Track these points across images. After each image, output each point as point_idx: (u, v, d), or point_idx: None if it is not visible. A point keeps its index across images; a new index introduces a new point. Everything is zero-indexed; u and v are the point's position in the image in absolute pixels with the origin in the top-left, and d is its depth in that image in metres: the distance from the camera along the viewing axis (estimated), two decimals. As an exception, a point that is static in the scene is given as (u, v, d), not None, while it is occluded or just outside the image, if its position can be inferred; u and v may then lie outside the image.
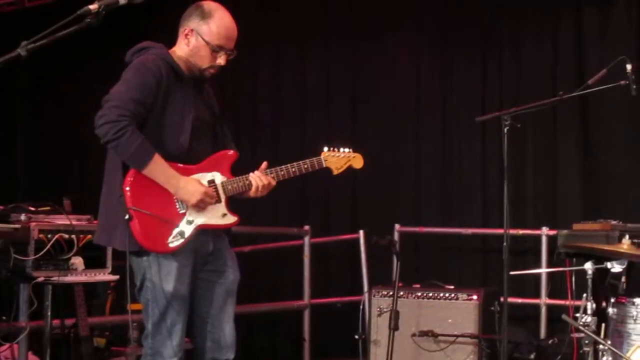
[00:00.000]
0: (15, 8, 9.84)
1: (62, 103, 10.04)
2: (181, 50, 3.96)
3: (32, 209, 5.09)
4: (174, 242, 3.81)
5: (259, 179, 3.97)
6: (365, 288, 7.34)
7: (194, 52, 3.94)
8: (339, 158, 4.17)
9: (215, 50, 3.93)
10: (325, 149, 4.16)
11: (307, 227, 7.87)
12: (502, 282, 5.22)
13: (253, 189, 3.97)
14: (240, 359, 4.24)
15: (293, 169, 4.05)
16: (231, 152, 4.06)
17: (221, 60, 3.96)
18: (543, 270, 6.66)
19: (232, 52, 3.99)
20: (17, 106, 10.61)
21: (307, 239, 7.82)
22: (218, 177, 3.96)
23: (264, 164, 4.05)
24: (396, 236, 7.79)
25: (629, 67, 4.92)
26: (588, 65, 7.32)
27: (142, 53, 3.89)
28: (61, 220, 5.10)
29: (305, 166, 4.07)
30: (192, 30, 3.94)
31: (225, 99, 9.15)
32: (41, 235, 4.89)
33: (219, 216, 3.95)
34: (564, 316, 4.93)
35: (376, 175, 8.37)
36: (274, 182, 4.02)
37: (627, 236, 5.06)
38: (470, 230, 7.72)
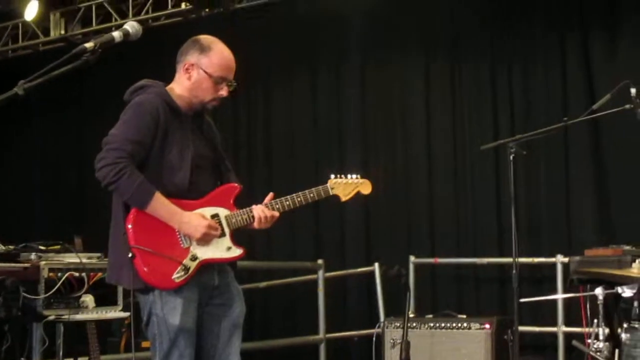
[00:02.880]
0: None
1: (78, 140, 10.18)
2: (181, 85, 3.99)
3: (43, 248, 5.12)
4: (179, 277, 3.81)
5: (261, 212, 3.97)
6: (381, 320, 7.31)
7: (195, 85, 3.96)
8: (346, 184, 4.12)
9: (217, 82, 3.96)
10: (332, 176, 4.12)
11: (320, 261, 7.87)
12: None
13: (256, 221, 3.97)
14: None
15: (299, 199, 4.03)
16: (234, 185, 4.06)
17: (223, 91, 3.99)
18: (554, 297, 6.61)
19: (232, 83, 4.02)
20: (31, 143, 10.78)
21: (321, 273, 7.82)
22: (222, 211, 3.96)
23: (270, 195, 4.04)
24: (411, 268, 7.79)
25: (633, 91, 4.91)
26: (597, 92, 7.31)
27: (140, 92, 3.92)
28: (71, 258, 5.12)
29: (312, 195, 4.04)
30: (192, 64, 3.96)
31: (239, 131, 9.30)
32: (51, 274, 4.92)
33: (223, 250, 3.95)
34: (574, 342, 4.89)
35: (390, 206, 8.41)
36: (277, 214, 4.01)
37: (638, 260, 5.02)
38: (485, 260, 7.69)
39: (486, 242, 8.01)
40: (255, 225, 3.98)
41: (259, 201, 3.99)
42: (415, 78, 8.55)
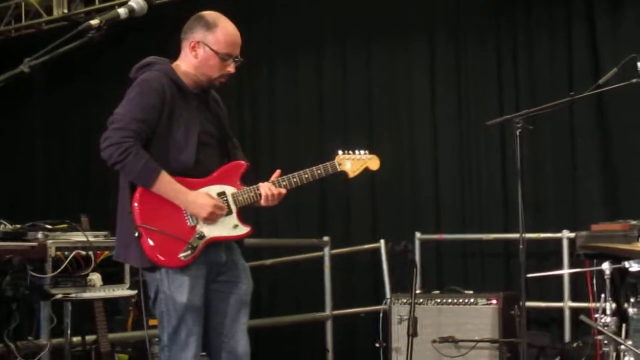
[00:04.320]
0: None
1: (82, 119, 10.18)
2: (187, 63, 3.97)
3: (49, 226, 5.12)
4: (185, 256, 3.81)
5: (268, 189, 3.96)
6: (388, 296, 7.32)
7: (202, 62, 3.95)
8: (354, 161, 4.11)
9: (224, 58, 3.95)
10: (340, 152, 4.11)
11: (326, 238, 7.87)
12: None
13: (263, 198, 3.96)
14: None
15: (306, 176, 4.01)
16: (241, 162, 4.05)
17: (230, 68, 3.99)
18: (561, 272, 6.61)
19: (239, 58, 4.01)
20: (35, 122, 10.77)
21: (327, 250, 7.81)
22: (228, 189, 3.96)
23: (277, 173, 4.04)
24: (417, 244, 7.80)
25: (639, 65, 4.88)
26: (603, 66, 7.27)
27: (146, 69, 3.91)
28: (78, 237, 5.12)
29: (319, 171, 4.03)
30: (198, 42, 3.95)
31: (243, 112, 9.28)
32: (58, 253, 4.91)
33: (230, 228, 3.95)
34: (581, 317, 4.89)
35: (395, 183, 8.41)
36: (284, 191, 4.00)
37: (644, 235, 5.02)
38: (491, 236, 7.69)
39: (491, 218, 8.00)
40: (262, 202, 3.97)
41: (264, 180, 3.98)
42: (420, 55, 8.51)
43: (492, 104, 8.02)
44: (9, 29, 10.25)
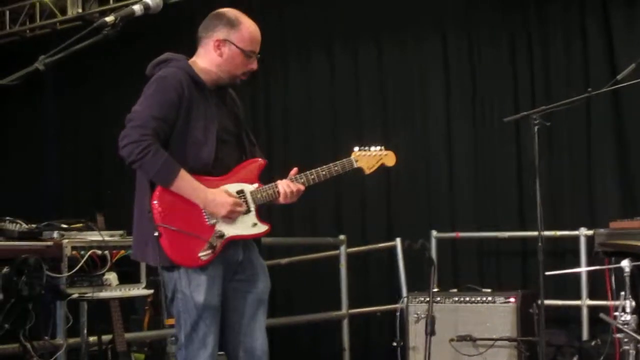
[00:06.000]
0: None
1: (96, 118, 10.18)
2: (208, 61, 3.93)
3: (65, 225, 5.11)
4: (205, 255, 3.78)
5: (287, 186, 3.94)
6: (404, 295, 7.29)
7: (228, 61, 3.92)
8: (370, 157, 4.09)
9: (249, 55, 3.94)
10: (356, 148, 4.08)
11: (342, 237, 7.84)
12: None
13: (281, 196, 3.94)
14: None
15: (323, 172, 3.99)
16: (259, 160, 4.03)
17: (253, 65, 3.98)
18: (579, 269, 6.56)
19: (259, 55, 4.00)
20: (49, 121, 10.77)
21: (343, 249, 7.78)
22: (247, 187, 3.93)
23: (294, 170, 4.01)
24: (433, 242, 7.76)
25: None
26: (619, 62, 7.22)
27: (163, 66, 3.89)
28: (94, 236, 5.11)
29: (336, 168, 4.01)
30: (223, 40, 3.92)
31: (257, 106, 9.26)
32: (74, 252, 4.90)
33: (249, 226, 3.92)
34: (601, 315, 4.85)
35: (410, 181, 8.38)
36: (302, 188, 3.98)
37: (664, 232, 4.97)
38: (507, 234, 7.65)
39: (507, 216, 7.96)
40: (281, 200, 3.94)
41: (278, 178, 3.96)
42: (433, 51, 8.48)
43: (507, 101, 7.98)
44: (23, 29, 10.28)
